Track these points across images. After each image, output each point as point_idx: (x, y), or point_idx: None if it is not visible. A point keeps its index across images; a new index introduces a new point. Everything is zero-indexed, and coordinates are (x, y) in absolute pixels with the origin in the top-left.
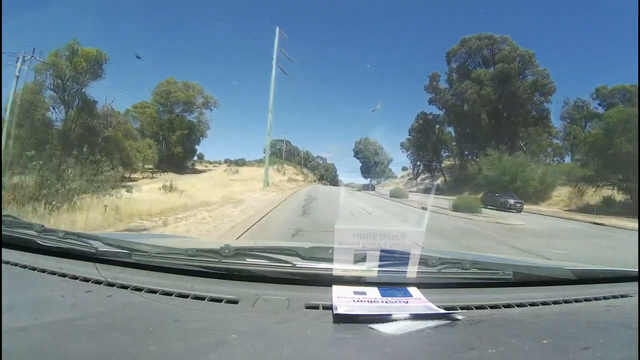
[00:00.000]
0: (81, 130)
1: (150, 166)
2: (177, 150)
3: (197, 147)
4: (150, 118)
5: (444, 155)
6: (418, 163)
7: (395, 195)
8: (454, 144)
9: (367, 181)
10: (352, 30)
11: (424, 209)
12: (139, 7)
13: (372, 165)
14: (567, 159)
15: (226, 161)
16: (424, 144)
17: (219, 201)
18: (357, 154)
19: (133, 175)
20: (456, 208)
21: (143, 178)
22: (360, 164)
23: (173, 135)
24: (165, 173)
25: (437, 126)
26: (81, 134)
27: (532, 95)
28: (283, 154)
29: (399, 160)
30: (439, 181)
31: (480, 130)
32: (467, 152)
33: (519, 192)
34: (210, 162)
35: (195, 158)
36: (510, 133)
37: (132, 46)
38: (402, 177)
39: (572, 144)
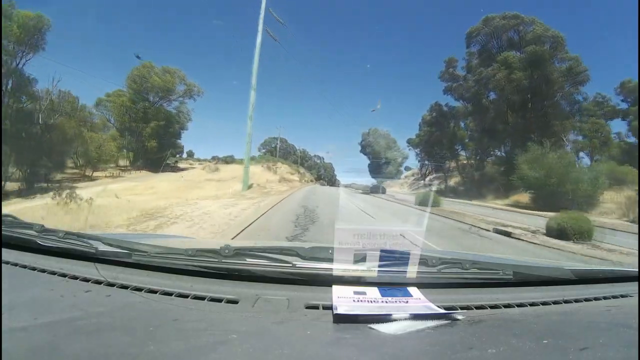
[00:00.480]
0: (14, 115)
1: (127, 163)
2: (151, 145)
3: (179, 141)
4: (121, 107)
5: (460, 152)
6: (426, 162)
7: (426, 202)
8: (467, 140)
9: (375, 182)
10: (352, 28)
11: (508, 234)
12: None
13: (383, 163)
14: (586, 160)
15: (213, 158)
16: (439, 139)
17: (127, 222)
18: (365, 148)
19: (96, 174)
20: (560, 233)
21: (106, 177)
22: (369, 162)
23: (147, 127)
24: (138, 171)
25: (452, 122)
26: (12, 121)
27: (563, 84)
28: (277, 151)
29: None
30: (452, 182)
31: (507, 123)
32: (480, 150)
33: (568, 198)
34: (199, 160)
35: (185, 155)
36: (541, 127)
37: (122, 37)
38: (405, 177)
39: (601, 141)
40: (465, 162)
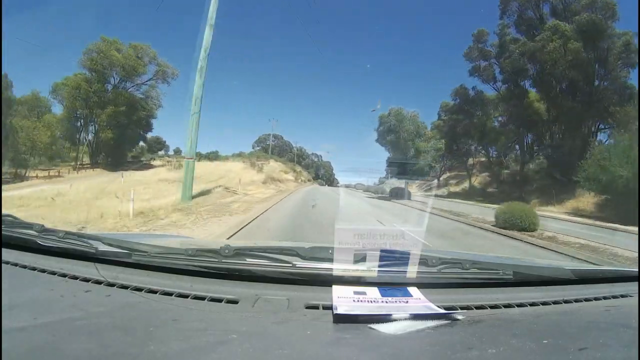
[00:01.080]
0: None
1: (87, 160)
2: (105, 135)
3: (159, 136)
4: (73, 89)
5: (489, 146)
6: (441, 158)
7: (521, 223)
8: (495, 126)
9: (385, 181)
10: (352, 28)
11: None
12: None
13: (410, 157)
14: None
15: (196, 155)
16: (467, 130)
17: None
18: (384, 135)
19: (33, 173)
20: None
21: (38, 178)
22: (389, 155)
23: (102, 114)
24: (92, 169)
25: (479, 109)
26: None
27: (616, 64)
28: (270, 148)
29: None
30: (476, 182)
31: (558, 108)
32: (517, 142)
33: None
34: (185, 158)
35: (172, 152)
36: (598, 113)
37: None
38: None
39: None
40: (485, 159)
